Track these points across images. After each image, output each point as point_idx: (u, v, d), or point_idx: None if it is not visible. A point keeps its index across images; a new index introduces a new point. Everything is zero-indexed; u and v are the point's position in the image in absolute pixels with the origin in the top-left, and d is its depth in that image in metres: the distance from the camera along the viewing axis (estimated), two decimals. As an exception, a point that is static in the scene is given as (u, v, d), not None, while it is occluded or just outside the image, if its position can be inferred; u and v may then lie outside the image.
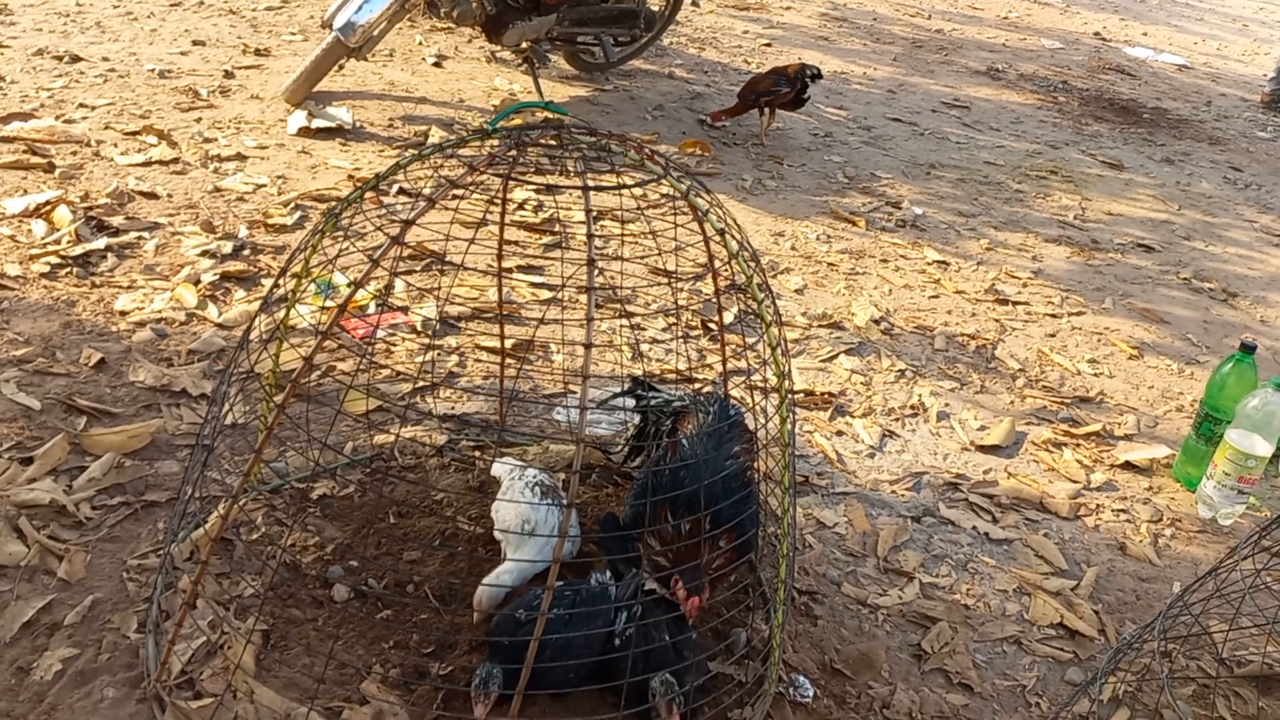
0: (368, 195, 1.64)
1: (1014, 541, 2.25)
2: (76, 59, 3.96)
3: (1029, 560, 2.20)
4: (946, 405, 2.73)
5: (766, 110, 4.47)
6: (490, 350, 2.57)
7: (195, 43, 4.36)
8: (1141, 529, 2.37)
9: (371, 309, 2.68)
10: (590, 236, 1.39)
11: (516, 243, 3.14)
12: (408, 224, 1.43)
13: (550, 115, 2.01)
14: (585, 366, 1.32)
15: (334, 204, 3.16)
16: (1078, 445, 2.65)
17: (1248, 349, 2.45)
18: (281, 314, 1.78)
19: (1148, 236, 4.17)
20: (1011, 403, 2.81)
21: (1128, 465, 2.60)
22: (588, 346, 1.33)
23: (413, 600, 1.81)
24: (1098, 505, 2.43)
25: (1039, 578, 2.15)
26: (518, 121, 3.52)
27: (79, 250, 2.67)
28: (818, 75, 4.46)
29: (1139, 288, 3.67)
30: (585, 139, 1.53)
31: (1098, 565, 2.22)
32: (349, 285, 2.70)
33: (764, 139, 4.52)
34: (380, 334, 2.58)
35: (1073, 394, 2.90)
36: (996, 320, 3.24)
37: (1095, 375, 3.02)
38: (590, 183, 1.50)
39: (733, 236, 1.57)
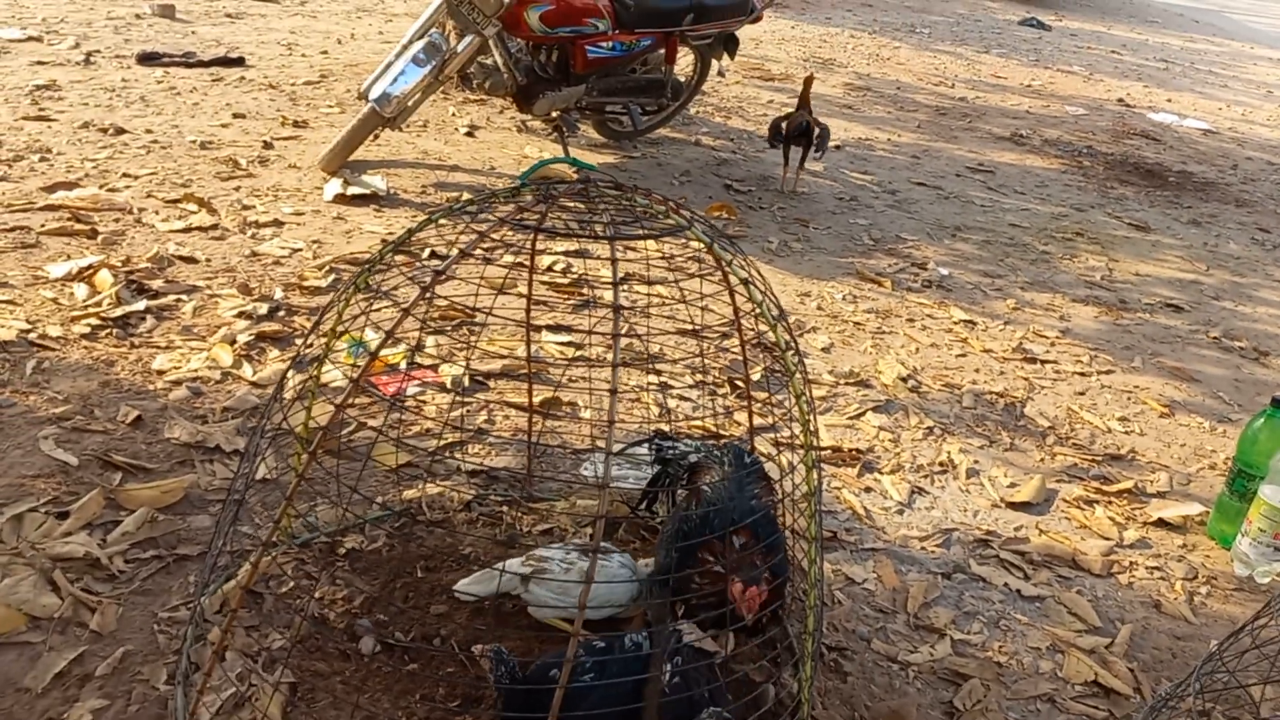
0: (401, 259, 1.68)
1: (1046, 599, 2.22)
2: (121, 131, 4.10)
3: (1062, 618, 2.17)
4: (976, 462, 2.72)
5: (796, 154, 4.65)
6: (518, 407, 2.59)
7: (236, 115, 4.50)
8: (1176, 586, 2.34)
9: (402, 367, 2.72)
10: (616, 284, 1.42)
11: (545, 303, 3.18)
12: (438, 274, 1.46)
13: (577, 171, 2.07)
14: (611, 411, 1.34)
15: (366, 262, 3.24)
16: (1110, 503, 2.63)
17: (1279, 404, 2.43)
18: (314, 370, 1.82)
19: (1176, 296, 4.15)
20: (1041, 460, 2.79)
21: (1161, 523, 2.57)
22: (613, 392, 1.34)
23: (439, 653, 1.81)
24: (1131, 563, 2.40)
25: (1072, 635, 2.11)
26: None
27: (119, 312, 2.74)
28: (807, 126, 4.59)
29: (1168, 346, 3.65)
30: (611, 191, 1.57)
31: (1132, 623, 2.18)
32: (381, 337, 2.74)
33: (794, 186, 4.73)
34: (410, 391, 2.61)
35: (1104, 451, 2.87)
36: (1025, 379, 3.23)
37: (1126, 433, 3.00)
38: (623, 233, 1.53)
39: (756, 287, 1.60)
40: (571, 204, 1.62)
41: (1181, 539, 2.53)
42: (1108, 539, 2.48)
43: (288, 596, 1.90)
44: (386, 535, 2.10)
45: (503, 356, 2.83)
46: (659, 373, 2.92)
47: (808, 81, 4.65)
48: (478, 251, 1.50)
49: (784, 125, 4.60)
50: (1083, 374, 3.33)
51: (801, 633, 1.86)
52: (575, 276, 3.41)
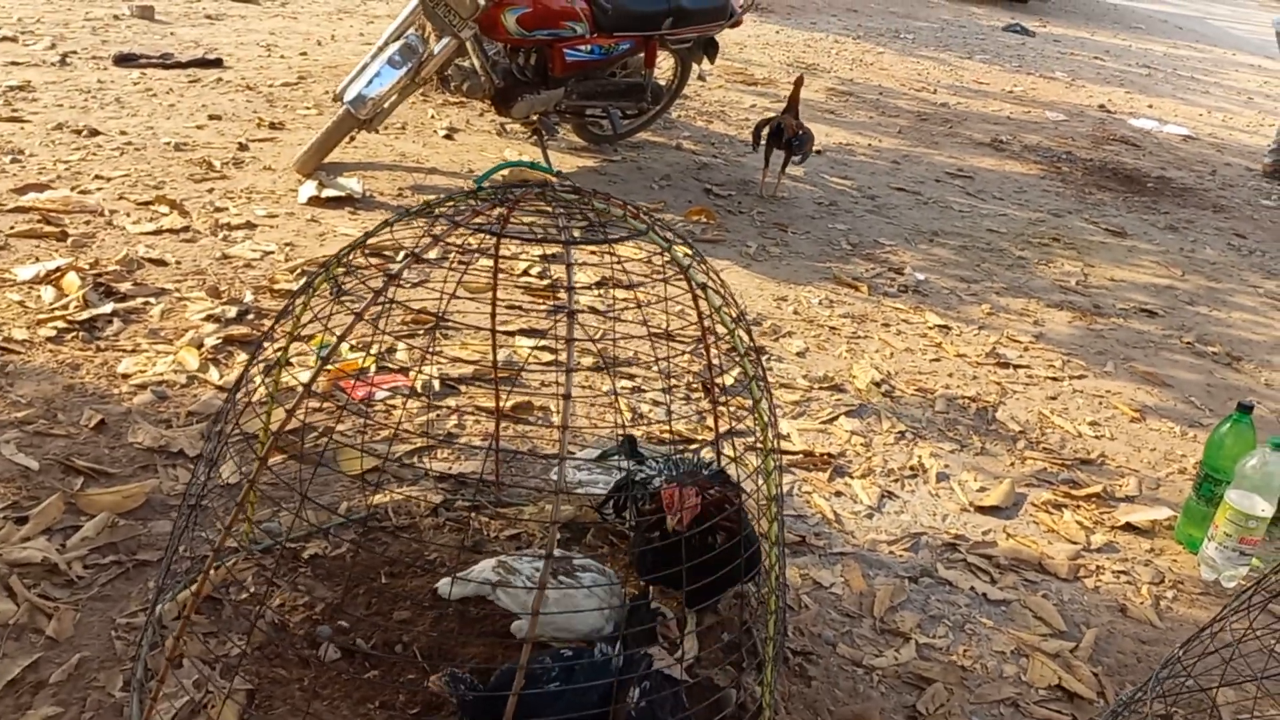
0: (372, 261, 1.67)
1: (1012, 602, 2.23)
2: (95, 133, 4.07)
3: (1027, 621, 2.17)
4: (946, 466, 2.72)
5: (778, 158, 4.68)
6: (488, 411, 2.58)
7: (211, 117, 4.48)
8: (1143, 590, 2.34)
9: (372, 371, 2.70)
10: (570, 289, 1.41)
11: (520, 307, 3.17)
12: (392, 277, 1.45)
13: (539, 175, 2.07)
14: (564, 418, 1.33)
15: (327, 260, 3.22)
16: (1078, 507, 2.63)
17: (1245, 409, 2.44)
18: (275, 374, 1.81)
19: (1151, 301, 4.17)
20: (1012, 464, 2.79)
21: (1129, 527, 2.57)
22: (565, 397, 1.34)
23: (400, 660, 1.80)
24: (1098, 567, 2.40)
25: (1037, 639, 2.12)
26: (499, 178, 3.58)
27: (86, 315, 2.72)
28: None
29: (1141, 351, 3.67)
30: (569, 196, 1.56)
31: (1097, 627, 2.19)
32: (351, 349, 2.73)
33: (774, 190, 4.77)
34: (380, 395, 2.60)
35: (1074, 456, 2.88)
36: (997, 383, 3.24)
37: (1097, 438, 3.01)
38: (578, 238, 1.53)
39: (715, 291, 1.59)
40: (532, 208, 1.61)
41: (1149, 543, 2.54)
42: (1075, 543, 2.48)
43: (247, 604, 1.88)
44: (351, 541, 2.09)
45: (474, 361, 2.82)
46: (631, 377, 2.91)
47: (798, 83, 4.69)
48: (442, 254, 1.50)
49: (763, 130, 4.61)
50: (1055, 379, 3.34)
51: (765, 636, 1.86)
52: (550, 281, 3.40)
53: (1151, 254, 4.80)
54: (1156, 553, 2.50)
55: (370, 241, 1.67)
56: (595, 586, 1.86)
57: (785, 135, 4.56)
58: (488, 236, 1.55)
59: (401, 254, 3.26)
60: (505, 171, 1.69)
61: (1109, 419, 3.13)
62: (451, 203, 1.59)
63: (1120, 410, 3.19)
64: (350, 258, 1.65)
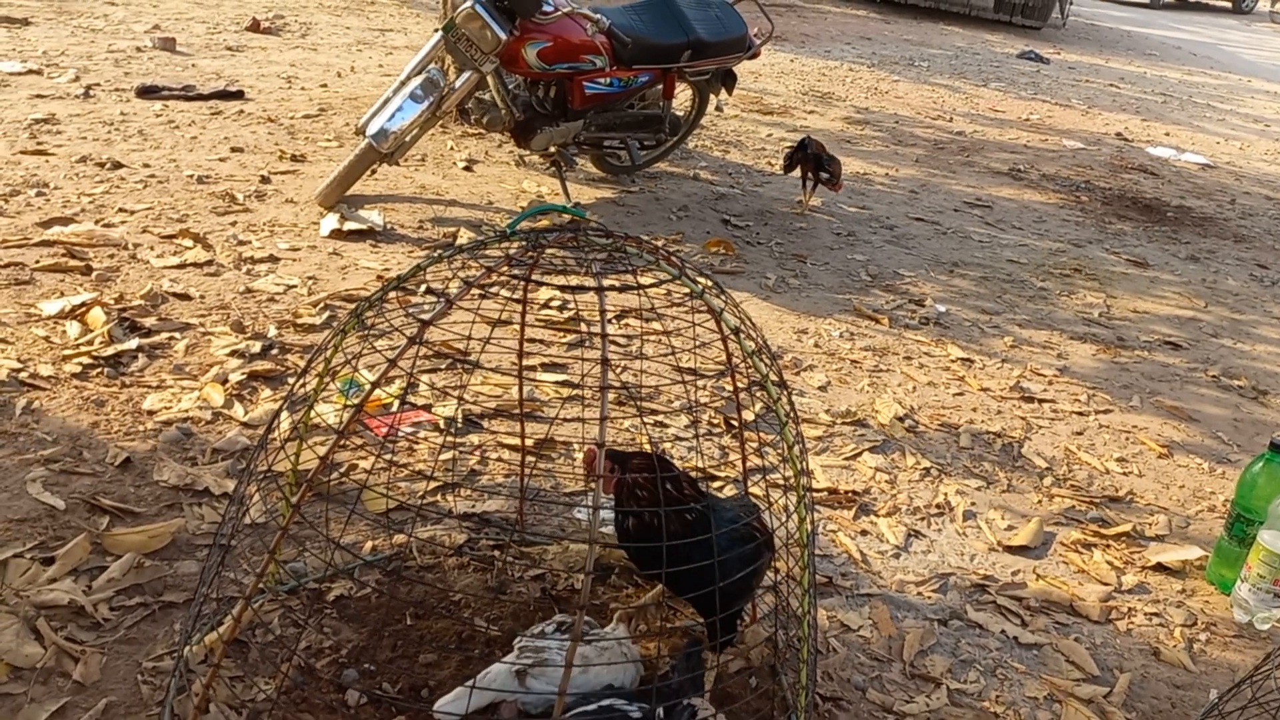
0: (395, 295, 1.67)
1: (1044, 646, 2.20)
2: (118, 165, 4.10)
3: (1059, 666, 2.14)
4: (973, 504, 2.69)
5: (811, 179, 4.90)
6: (511, 448, 2.57)
7: (234, 149, 4.51)
8: (1175, 633, 2.31)
9: (395, 407, 2.70)
10: (604, 336, 1.40)
11: (540, 341, 3.17)
12: (425, 324, 1.45)
13: (570, 218, 2.07)
14: (599, 465, 1.32)
15: (359, 303, 3.23)
16: (1108, 546, 2.60)
17: (1277, 448, 2.41)
18: (302, 413, 1.80)
19: (1175, 334, 4.14)
20: (1039, 502, 2.77)
21: (1159, 567, 2.54)
22: (601, 445, 1.33)
23: (427, 706, 1.78)
24: (1129, 608, 2.37)
25: (1070, 684, 2.09)
26: (545, 222, 3.59)
27: (111, 351, 2.72)
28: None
29: (1167, 385, 3.64)
30: (601, 240, 1.56)
31: (1130, 671, 2.15)
32: (371, 384, 2.73)
33: (804, 209, 4.96)
34: (403, 431, 2.59)
35: (1102, 493, 2.85)
36: (1022, 418, 3.22)
37: (1124, 474, 2.98)
38: (608, 282, 1.52)
39: (748, 335, 1.59)
40: (562, 252, 1.61)
41: (1180, 584, 2.50)
42: (1106, 584, 2.45)
43: (273, 646, 1.87)
44: (375, 582, 2.08)
45: (496, 396, 2.81)
46: (654, 412, 2.90)
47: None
48: (472, 291, 1.49)
49: (796, 155, 4.86)
50: (1080, 413, 3.31)
51: (795, 684, 1.83)
52: (571, 313, 3.40)
53: (1174, 285, 4.77)
54: (1188, 594, 2.47)
55: (394, 276, 1.67)
56: (613, 663, 1.80)
57: (810, 149, 4.72)
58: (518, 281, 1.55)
59: (424, 287, 3.27)
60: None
61: (1136, 455, 3.10)
62: (484, 246, 1.59)
63: (1147, 446, 3.16)
64: (374, 294, 1.65)
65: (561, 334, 3.27)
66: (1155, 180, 6.87)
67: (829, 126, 6.84)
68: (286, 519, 1.46)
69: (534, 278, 1.62)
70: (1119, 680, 2.12)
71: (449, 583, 2.11)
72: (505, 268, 1.49)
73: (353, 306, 3.20)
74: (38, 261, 3.18)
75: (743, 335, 1.57)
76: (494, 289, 1.63)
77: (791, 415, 1.58)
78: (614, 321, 3.38)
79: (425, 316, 1.50)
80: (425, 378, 2.84)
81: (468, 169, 4.79)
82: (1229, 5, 22.84)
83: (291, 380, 2.77)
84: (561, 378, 2.98)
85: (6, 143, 4.17)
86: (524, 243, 1.56)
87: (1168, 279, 4.85)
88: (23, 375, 2.57)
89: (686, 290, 1.61)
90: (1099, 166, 7.00)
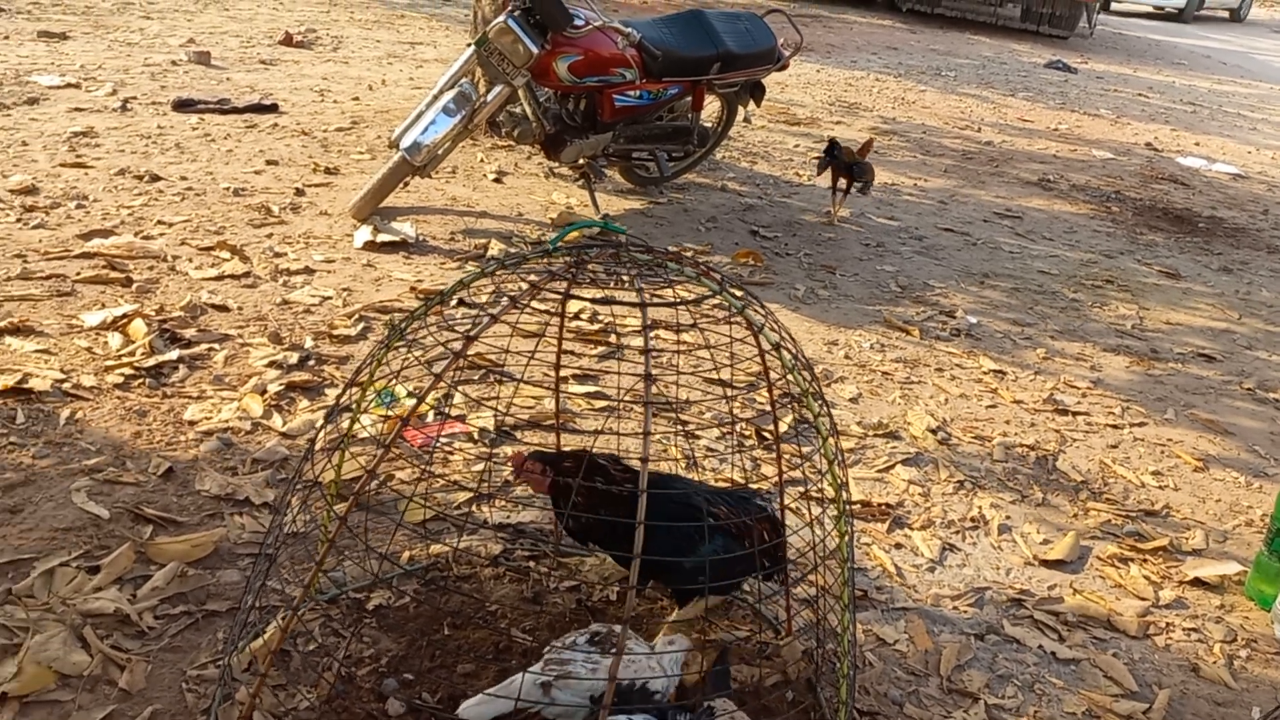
0: (430, 304, 1.69)
1: (1082, 661, 2.19)
2: (156, 178, 4.16)
3: (1098, 682, 2.13)
4: (1008, 518, 2.69)
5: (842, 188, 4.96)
6: (546, 460, 2.58)
7: (269, 162, 4.56)
8: (1214, 649, 2.29)
9: (430, 418, 2.72)
10: (647, 352, 1.42)
11: (571, 352, 3.19)
12: (470, 339, 1.47)
13: (609, 234, 2.10)
14: (642, 482, 1.33)
15: (394, 315, 3.25)
16: (1144, 561, 2.59)
17: (1319, 462, 2.39)
18: (345, 424, 1.82)
19: (1209, 346, 4.11)
20: (1075, 516, 2.75)
21: (1197, 582, 2.52)
22: (644, 460, 1.34)
23: (466, 715, 1.79)
24: (1167, 624, 2.36)
25: (1109, 700, 2.07)
26: (573, 236, 3.61)
27: (152, 362, 2.76)
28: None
29: (1202, 398, 3.61)
30: (643, 257, 1.57)
31: (1170, 688, 2.14)
32: (409, 395, 2.76)
33: (834, 218, 5.01)
34: (438, 442, 2.62)
35: (1137, 507, 2.83)
36: (1056, 431, 3.20)
37: (1160, 488, 2.96)
38: (648, 297, 1.53)
39: (787, 350, 1.59)
40: (602, 267, 1.62)
41: (1219, 599, 2.48)
42: (1143, 599, 2.44)
43: (315, 655, 1.89)
44: (414, 591, 2.09)
45: (529, 408, 2.83)
46: (684, 422, 2.91)
47: (867, 146, 5.04)
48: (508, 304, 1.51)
49: (827, 163, 4.90)
50: (1115, 426, 3.29)
51: (834, 698, 1.84)
52: (602, 324, 3.41)
53: (1207, 296, 4.74)
54: (1227, 609, 2.45)
55: (427, 288, 1.69)
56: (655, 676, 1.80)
57: (839, 153, 4.80)
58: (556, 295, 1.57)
59: (455, 300, 3.30)
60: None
61: (1172, 468, 3.08)
62: (526, 261, 1.61)
63: (1183, 459, 3.14)
64: (418, 309, 1.67)
65: (592, 345, 3.28)
66: (1186, 190, 6.82)
67: (856, 137, 6.83)
68: (334, 531, 1.47)
69: (572, 292, 1.63)
70: (1158, 697, 2.11)
71: (486, 593, 2.13)
72: (548, 283, 1.50)
73: (389, 318, 3.24)
74: (79, 273, 3.23)
75: (783, 350, 1.58)
76: (532, 310, 1.65)
77: (832, 430, 1.58)
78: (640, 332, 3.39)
79: (466, 330, 1.52)
80: (460, 389, 2.86)
81: (497, 181, 4.82)
82: (1226, 16, 22.52)
83: (329, 391, 2.80)
84: (593, 389, 2.99)
85: (47, 155, 4.24)
86: (567, 258, 1.57)
87: (1200, 290, 4.82)
88: (66, 386, 2.61)
89: (719, 302, 1.63)
90: (1129, 177, 6.96)
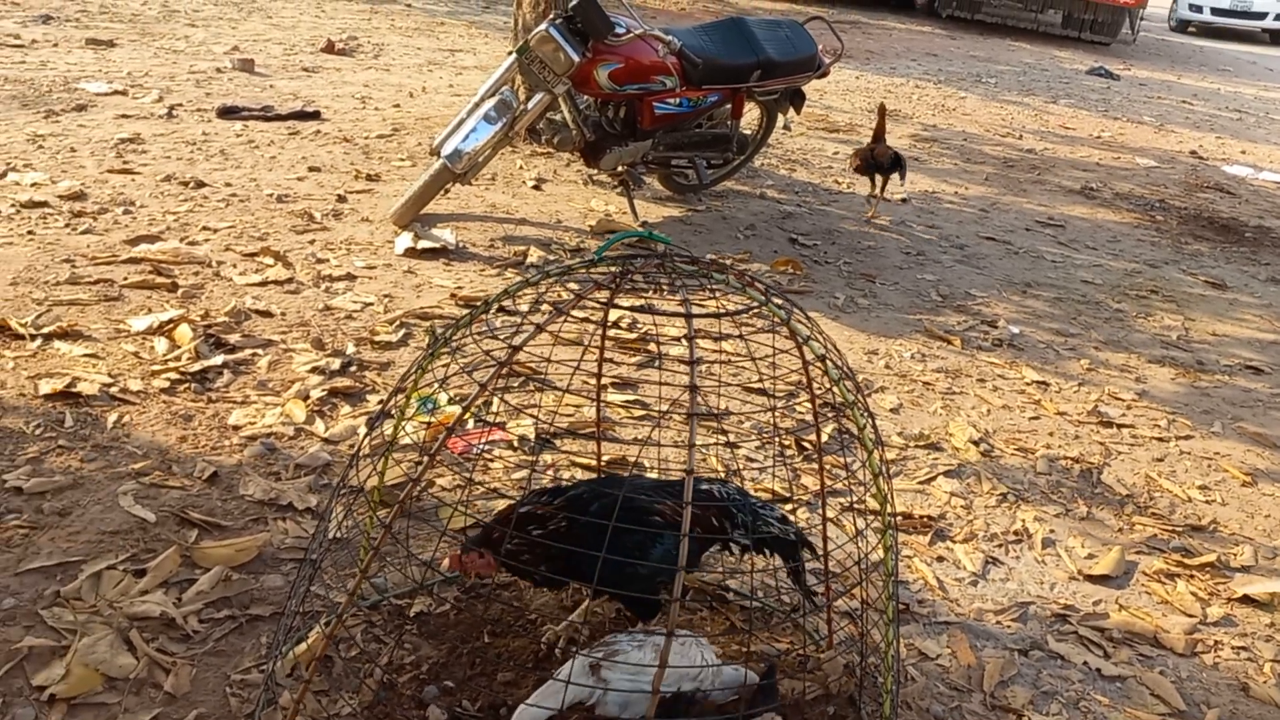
0: (467, 310, 1.70)
1: (1128, 679, 2.15)
2: (201, 184, 4.21)
3: (1144, 700, 2.10)
4: (1052, 531, 2.65)
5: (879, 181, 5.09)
6: (585, 468, 2.59)
7: (311, 169, 4.61)
8: (1265, 668, 2.24)
9: (470, 425, 2.73)
10: (693, 363, 1.41)
11: (611, 360, 3.19)
12: (515, 349, 1.47)
13: (653, 243, 2.11)
14: (686, 493, 1.33)
15: (434, 322, 3.26)
16: (1191, 577, 2.54)
17: (1374, 479, 2.34)
18: (389, 431, 1.83)
19: (1256, 358, 4.04)
20: (1120, 530, 2.71)
21: (1246, 599, 2.48)
22: (689, 473, 1.33)
23: (507, 724, 1.80)
24: (1216, 641, 2.31)
25: (1156, 719, 2.04)
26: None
27: (197, 367, 2.80)
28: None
29: (1249, 411, 3.55)
30: (688, 267, 1.57)
31: (1219, 707, 2.10)
32: (450, 402, 2.77)
33: (874, 217, 5.11)
34: (478, 449, 2.62)
35: (1184, 522, 2.79)
36: (1101, 443, 3.16)
37: (1207, 503, 2.91)
38: (692, 308, 1.53)
39: (833, 362, 1.58)
40: (647, 277, 1.62)
41: (1269, 617, 2.44)
42: (1191, 616, 2.40)
43: (356, 660, 1.90)
44: (454, 599, 2.10)
45: (568, 416, 2.84)
46: (725, 431, 2.90)
47: (881, 111, 5.10)
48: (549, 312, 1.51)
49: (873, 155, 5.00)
50: (1161, 439, 3.24)
51: (876, 713, 1.82)
52: (641, 332, 3.41)
53: (1254, 308, 4.66)
54: (1277, 627, 2.40)
55: (467, 294, 1.69)
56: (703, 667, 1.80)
57: (874, 155, 4.96)
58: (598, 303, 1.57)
59: (493, 307, 3.31)
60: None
61: (1219, 482, 3.03)
62: (570, 272, 1.61)
63: (1230, 473, 3.09)
64: (462, 318, 1.67)
65: (631, 353, 3.28)
66: (1232, 199, 6.72)
67: (896, 144, 6.78)
68: (379, 538, 1.48)
69: (615, 305, 1.63)
70: (1206, 716, 2.07)
71: (525, 601, 2.13)
72: (594, 292, 1.50)
73: (429, 324, 3.26)
74: (126, 278, 3.28)
75: (828, 361, 1.57)
76: (576, 319, 1.65)
77: (878, 443, 1.57)
78: (681, 341, 3.38)
79: (510, 339, 1.52)
80: (498, 397, 2.86)
81: (537, 188, 4.84)
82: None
83: (370, 397, 2.82)
84: (632, 397, 2.99)
85: (95, 161, 4.30)
86: (613, 268, 1.57)
87: (1247, 301, 4.74)
88: (113, 390, 2.65)
89: (752, 303, 1.61)
90: (1173, 185, 6.87)
